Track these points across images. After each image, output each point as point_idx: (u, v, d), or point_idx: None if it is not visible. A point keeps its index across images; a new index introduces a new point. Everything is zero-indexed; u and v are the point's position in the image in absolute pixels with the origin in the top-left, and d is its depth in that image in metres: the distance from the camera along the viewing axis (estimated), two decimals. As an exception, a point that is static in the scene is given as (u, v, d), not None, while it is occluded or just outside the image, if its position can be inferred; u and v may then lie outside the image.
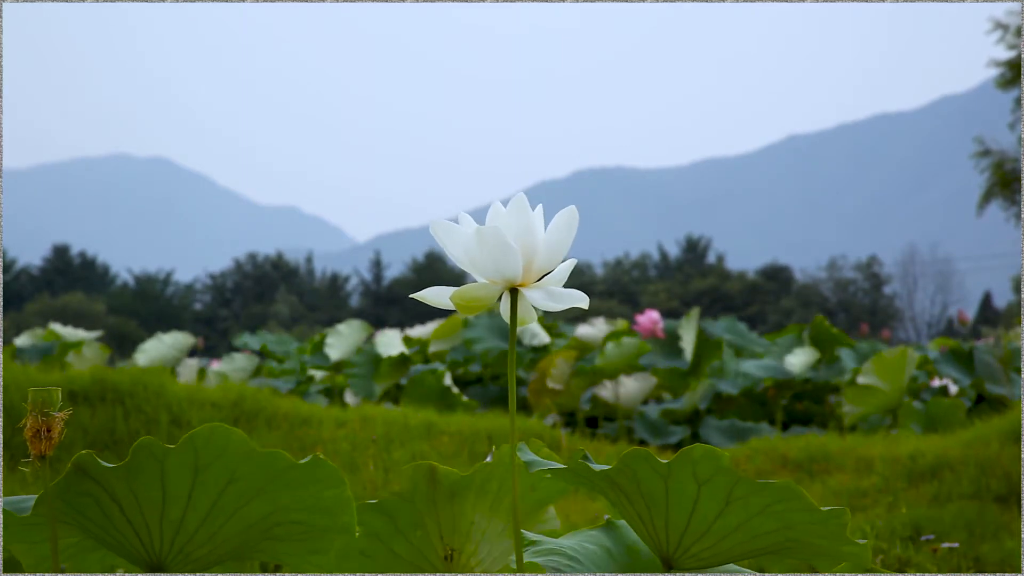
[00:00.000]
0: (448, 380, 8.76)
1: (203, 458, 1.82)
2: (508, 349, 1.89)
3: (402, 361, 9.63)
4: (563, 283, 1.95)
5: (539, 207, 1.92)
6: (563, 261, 1.94)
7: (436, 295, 1.91)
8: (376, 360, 9.61)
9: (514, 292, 1.92)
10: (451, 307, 1.90)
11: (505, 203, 1.95)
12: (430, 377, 9.09)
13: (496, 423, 7.00)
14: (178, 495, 1.85)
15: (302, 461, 1.85)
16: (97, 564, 2.07)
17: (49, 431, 1.77)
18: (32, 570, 2.01)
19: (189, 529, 1.88)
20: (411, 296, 1.93)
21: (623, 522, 2.09)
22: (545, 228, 1.92)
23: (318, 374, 10.58)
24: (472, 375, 9.95)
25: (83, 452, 1.81)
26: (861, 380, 8.40)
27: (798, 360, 9.27)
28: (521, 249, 1.87)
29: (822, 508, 1.80)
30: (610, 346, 8.89)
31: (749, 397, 9.38)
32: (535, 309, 1.95)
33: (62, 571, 2.08)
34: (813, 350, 9.56)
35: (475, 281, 1.92)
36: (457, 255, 1.89)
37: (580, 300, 1.88)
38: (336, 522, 1.91)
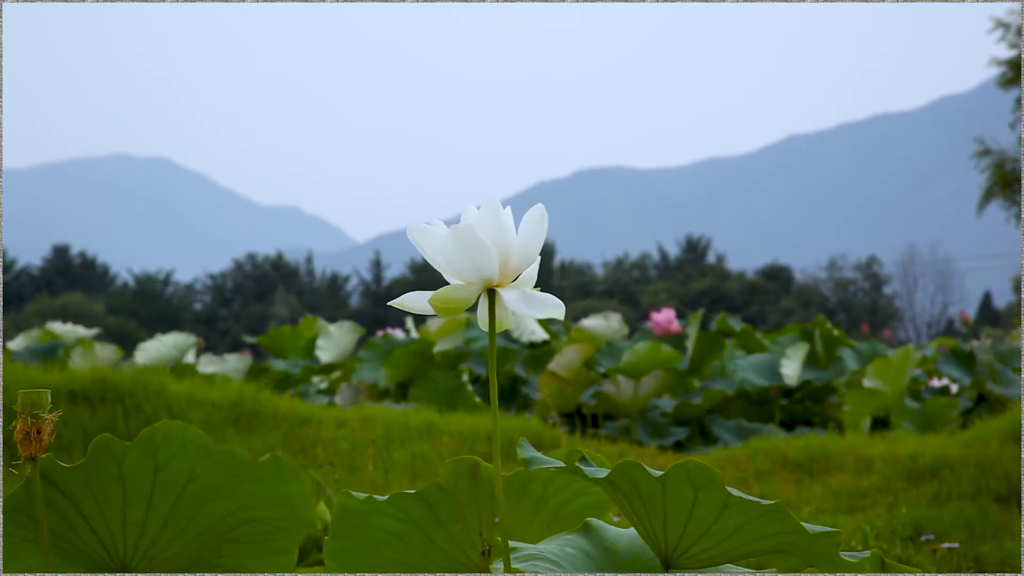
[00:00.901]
0: (464, 377, 8.74)
1: (162, 455, 1.83)
2: (488, 348, 1.90)
3: (417, 350, 9.60)
4: (534, 282, 1.97)
5: (508, 208, 1.93)
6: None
7: (414, 300, 1.94)
8: (391, 350, 9.60)
9: (492, 293, 1.95)
10: (430, 312, 1.92)
11: (512, 203, 1.97)
12: (440, 376, 9.09)
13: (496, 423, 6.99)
14: (139, 496, 1.86)
15: (261, 459, 1.87)
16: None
17: (39, 433, 1.77)
18: None
19: (152, 531, 1.89)
20: (388, 304, 1.95)
21: (601, 524, 2.11)
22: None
23: (318, 378, 10.57)
24: (474, 375, 9.95)
25: (42, 456, 1.80)
26: (865, 383, 8.42)
27: (792, 367, 9.24)
28: (496, 248, 1.90)
29: (813, 528, 1.82)
30: (642, 344, 8.73)
31: (747, 398, 9.38)
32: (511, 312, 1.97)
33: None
34: (811, 351, 9.55)
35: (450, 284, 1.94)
36: (434, 258, 1.92)
37: (556, 308, 1.91)
38: (297, 515, 1.92)
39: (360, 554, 2.12)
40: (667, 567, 1.95)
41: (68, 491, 1.84)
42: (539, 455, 2.02)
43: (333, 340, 10.63)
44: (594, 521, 2.10)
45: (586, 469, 1.91)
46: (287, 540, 1.96)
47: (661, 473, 1.83)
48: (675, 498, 1.85)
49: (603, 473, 1.88)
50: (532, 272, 1.96)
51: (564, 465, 1.95)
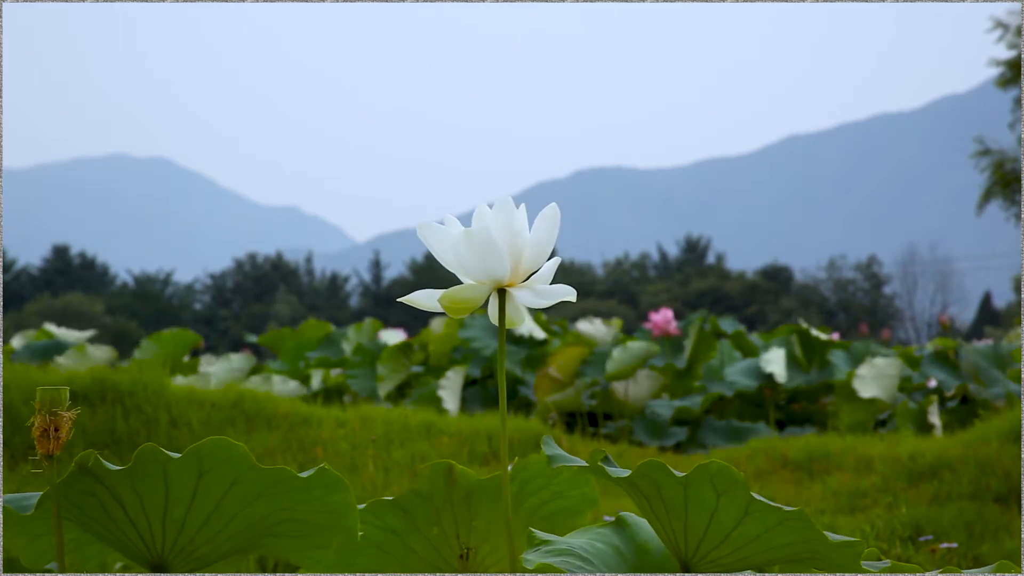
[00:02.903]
0: (447, 391, 8.73)
1: (207, 465, 1.83)
2: (498, 349, 1.90)
3: (404, 350, 9.68)
4: (549, 281, 1.96)
5: (523, 206, 1.93)
6: (548, 259, 1.96)
7: (425, 298, 1.92)
8: (377, 354, 9.75)
9: (502, 292, 1.93)
10: (439, 309, 1.92)
11: (511, 202, 1.96)
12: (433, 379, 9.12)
13: (495, 423, 7.00)
14: (181, 496, 1.85)
15: (305, 474, 1.86)
16: (96, 557, 2.08)
17: (57, 430, 1.77)
18: (31, 565, 2.01)
19: (191, 529, 1.89)
20: (399, 300, 1.94)
21: (634, 518, 2.08)
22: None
23: (317, 375, 10.58)
24: (470, 377, 9.94)
25: (85, 451, 1.81)
26: (855, 387, 8.41)
27: (778, 366, 9.25)
28: (508, 249, 1.88)
29: (834, 538, 1.81)
30: (618, 351, 8.87)
31: (743, 399, 9.40)
32: (524, 309, 1.96)
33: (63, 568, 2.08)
34: (790, 355, 9.56)
35: (462, 283, 1.93)
36: (444, 257, 1.91)
37: (567, 294, 1.90)
38: (339, 523, 1.92)
39: (337, 564, 2.13)
40: (686, 570, 1.94)
41: (110, 485, 1.85)
42: (563, 453, 2.01)
43: (362, 334, 10.87)
44: (629, 516, 2.07)
45: (609, 469, 1.90)
46: (326, 537, 1.96)
47: (684, 475, 1.82)
48: (697, 501, 1.84)
49: (625, 473, 1.86)
50: (548, 271, 1.95)
51: (587, 464, 1.93)
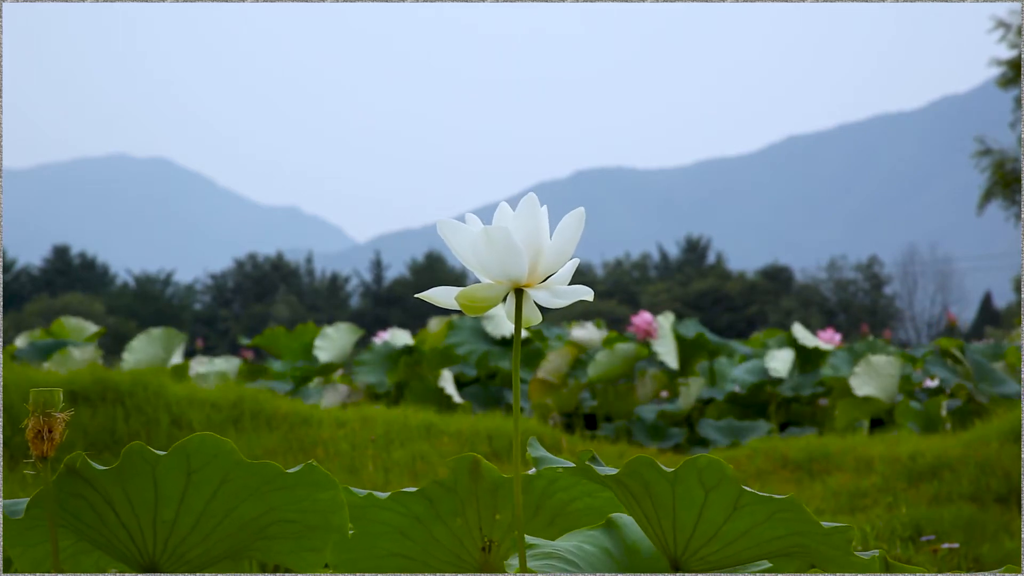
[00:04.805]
0: (447, 383, 8.75)
1: (195, 463, 1.83)
2: (513, 350, 1.89)
3: (408, 354, 9.75)
4: (567, 283, 1.95)
5: (544, 208, 1.92)
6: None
7: (442, 295, 1.92)
8: (391, 354, 9.77)
9: (519, 292, 1.93)
10: (456, 307, 1.91)
11: (511, 203, 1.96)
12: (429, 377, 9.13)
13: (495, 423, 7.00)
14: (170, 496, 1.85)
15: (292, 470, 1.86)
16: (93, 567, 2.08)
17: (51, 432, 1.77)
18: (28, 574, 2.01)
19: (182, 530, 1.89)
20: (416, 296, 1.93)
21: (624, 519, 2.07)
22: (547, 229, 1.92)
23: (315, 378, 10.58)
24: (468, 377, 9.93)
25: (74, 453, 1.80)
26: (852, 384, 8.40)
27: (782, 365, 9.25)
28: (527, 250, 1.88)
29: (825, 524, 1.80)
30: (602, 353, 8.85)
31: (737, 401, 9.41)
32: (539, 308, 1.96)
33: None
34: (793, 352, 9.58)
35: (479, 281, 1.92)
36: (463, 255, 1.90)
37: (584, 293, 1.90)
38: (329, 521, 1.92)
39: (360, 544, 2.13)
40: (676, 569, 1.93)
41: (100, 486, 1.84)
42: (549, 455, 2.00)
43: (331, 340, 10.56)
44: (618, 517, 2.06)
45: (597, 468, 1.88)
46: (318, 540, 1.96)
47: (672, 471, 1.81)
48: (685, 497, 1.83)
49: (612, 472, 1.86)
50: (566, 273, 1.94)
51: (574, 465, 1.92)
